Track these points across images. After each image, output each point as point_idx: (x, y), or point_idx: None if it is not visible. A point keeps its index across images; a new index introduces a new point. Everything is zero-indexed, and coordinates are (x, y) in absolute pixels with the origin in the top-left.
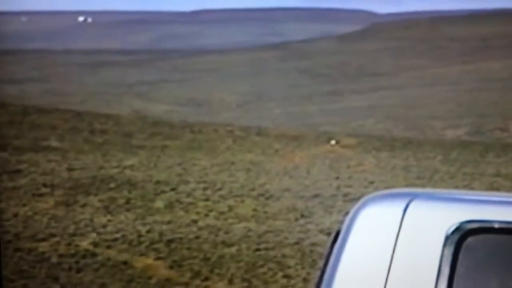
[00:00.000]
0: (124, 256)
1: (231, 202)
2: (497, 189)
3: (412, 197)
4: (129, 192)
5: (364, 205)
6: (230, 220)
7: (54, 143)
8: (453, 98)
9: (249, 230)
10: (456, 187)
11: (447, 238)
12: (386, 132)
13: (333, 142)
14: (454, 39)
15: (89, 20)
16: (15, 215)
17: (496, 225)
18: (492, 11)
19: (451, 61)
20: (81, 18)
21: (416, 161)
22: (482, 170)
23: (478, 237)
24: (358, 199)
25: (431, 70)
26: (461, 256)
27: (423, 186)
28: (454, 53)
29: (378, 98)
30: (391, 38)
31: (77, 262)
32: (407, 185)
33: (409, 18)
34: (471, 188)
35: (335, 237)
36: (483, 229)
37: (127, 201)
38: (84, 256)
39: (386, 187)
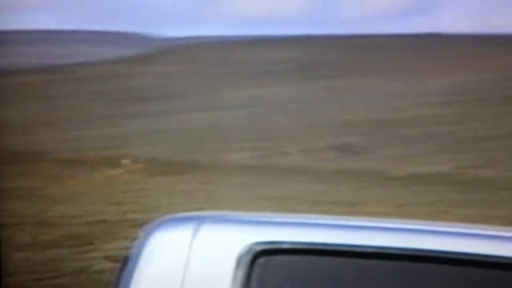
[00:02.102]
0: None
1: (7, 230)
2: (280, 211)
3: (201, 220)
4: None
5: (152, 230)
6: (6, 249)
7: None
8: (237, 122)
9: (27, 259)
10: (243, 210)
11: (238, 260)
12: (172, 156)
13: (126, 161)
14: (242, 64)
15: None
16: None
17: (286, 246)
18: (273, 36)
19: (237, 85)
20: None
21: (202, 185)
22: (265, 193)
23: (269, 258)
24: (145, 224)
25: (216, 94)
26: (252, 278)
27: (210, 210)
28: (240, 77)
29: (164, 122)
30: (177, 61)
31: None
32: (195, 210)
33: (193, 43)
34: (257, 210)
35: (123, 263)
36: (273, 250)
37: None
38: None
39: (174, 212)
